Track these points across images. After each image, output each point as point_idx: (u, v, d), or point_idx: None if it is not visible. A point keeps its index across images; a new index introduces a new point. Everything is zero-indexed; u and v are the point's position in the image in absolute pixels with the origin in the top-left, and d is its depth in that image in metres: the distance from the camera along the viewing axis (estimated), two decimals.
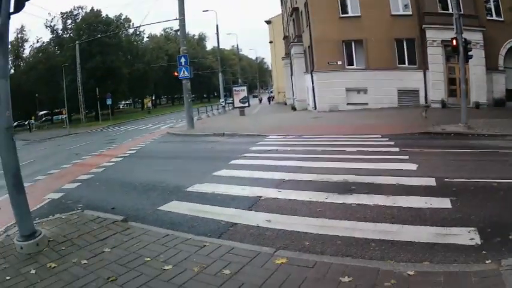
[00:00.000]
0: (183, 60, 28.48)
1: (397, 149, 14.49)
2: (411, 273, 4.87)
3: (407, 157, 12.79)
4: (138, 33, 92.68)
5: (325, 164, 12.33)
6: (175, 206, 8.62)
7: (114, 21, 76.50)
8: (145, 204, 9.09)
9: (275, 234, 6.64)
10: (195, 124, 29.96)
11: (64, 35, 72.64)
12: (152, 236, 6.50)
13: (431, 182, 9.47)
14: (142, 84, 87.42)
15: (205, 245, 5.93)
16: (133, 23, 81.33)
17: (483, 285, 4.55)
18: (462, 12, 23.74)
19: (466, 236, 6.23)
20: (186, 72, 28.34)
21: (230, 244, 6.00)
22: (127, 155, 18.66)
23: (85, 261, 5.74)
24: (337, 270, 5.03)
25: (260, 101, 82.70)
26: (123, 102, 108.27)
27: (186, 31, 32.50)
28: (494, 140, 16.62)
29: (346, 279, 4.80)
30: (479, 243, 5.94)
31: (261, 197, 8.80)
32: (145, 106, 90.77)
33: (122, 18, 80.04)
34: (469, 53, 20.41)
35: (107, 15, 75.41)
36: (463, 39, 19.84)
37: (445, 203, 7.85)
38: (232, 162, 13.42)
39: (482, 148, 14.56)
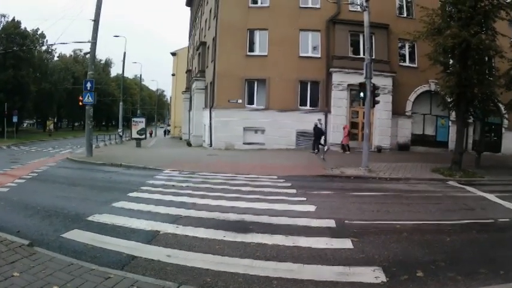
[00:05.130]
0: (89, 85, 27.82)
1: (294, 191, 14.83)
2: None
3: (304, 199, 13.21)
4: (49, 50, 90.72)
5: (222, 202, 12.44)
6: (77, 235, 8.65)
7: (30, 35, 73.68)
8: (49, 230, 9.07)
9: (176, 269, 6.75)
10: (94, 152, 29.52)
11: None
12: (58, 263, 6.50)
13: (330, 223, 9.82)
14: (46, 105, 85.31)
15: (109, 277, 5.99)
16: (47, 40, 79.05)
17: None
18: (374, 57, 25.09)
19: (370, 274, 6.49)
20: (90, 98, 27.72)
21: (134, 277, 6.09)
22: (30, 177, 18.22)
23: None
24: None
25: (151, 134, 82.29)
26: (26, 121, 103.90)
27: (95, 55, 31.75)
28: (397, 183, 17.71)
29: None
30: (385, 280, 6.22)
31: (159, 231, 8.93)
32: (47, 128, 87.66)
33: (38, 33, 77.39)
34: (376, 98, 21.57)
35: (25, 27, 72.48)
36: (372, 85, 20.93)
37: (346, 243, 8.16)
38: (130, 194, 13.61)
39: (383, 191, 15.44)
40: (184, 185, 16.01)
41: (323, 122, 31.27)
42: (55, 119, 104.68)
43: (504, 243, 8.35)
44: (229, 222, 9.84)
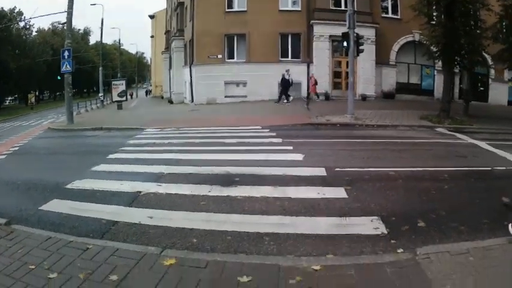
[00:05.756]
0: (66, 54, 27.21)
1: (279, 140, 14.43)
2: (316, 268, 4.44)
3: (291, 147, 12.74)
4: (27, 26, 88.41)
5: (205, 156, 11.95)
6: (56, 205, 7.95)
7: (8, 15, 72.63)
8: (28, 204, 8.27)
9: (159, 232, 6.22)
10: (75, 119, 28.94)
11: None
12: (35, 239, 5.95)
13: (321, 171, 9.28)
14: (27, 80, 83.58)
15: (88, 248, 5.49)
16: (24, 16, 77.85)
17: (401, 276, 4.25)
18: (356, 9, 24.53)
19: (369, 225, 5.99)
20: (68, 66, 27.04)
21: (114, 245, 5.59)
22: (10, 152, 17.37)
23: None
24: (233, 269, 4.58)
25: (131, 96, 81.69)
26: (9, 98, 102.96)
27: (73, 25, 31.19)
28: (385, 130, 17.41)
29: (245, 278, 4.33)
30: (386, 232, 5.71)
31: (140, 192, 8.32)
32: (29, 102, 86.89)
33: (15, 11, 76.94)
34: (360, 47, 21.15)
35: (2, 8, 71.97)
36: (355, 34, 20.51)
37: (339, 192, 7.62)
38: (110, 156, 12.91)
39: (372, 138, 15.06)
40: (166, 141, 15.54)
41: (291, 73, 30.87)
42: (37, 92, 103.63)
43: (504, 193, 7.80)
44: (214, 176, 9.29)
